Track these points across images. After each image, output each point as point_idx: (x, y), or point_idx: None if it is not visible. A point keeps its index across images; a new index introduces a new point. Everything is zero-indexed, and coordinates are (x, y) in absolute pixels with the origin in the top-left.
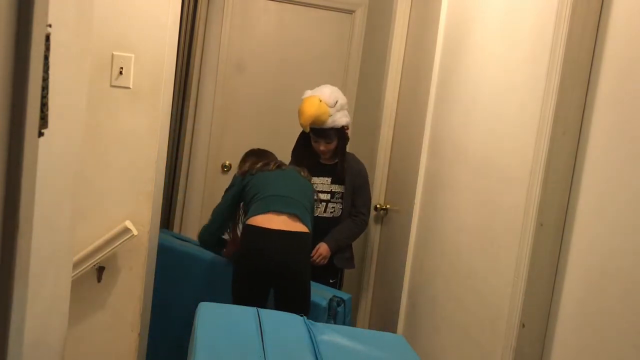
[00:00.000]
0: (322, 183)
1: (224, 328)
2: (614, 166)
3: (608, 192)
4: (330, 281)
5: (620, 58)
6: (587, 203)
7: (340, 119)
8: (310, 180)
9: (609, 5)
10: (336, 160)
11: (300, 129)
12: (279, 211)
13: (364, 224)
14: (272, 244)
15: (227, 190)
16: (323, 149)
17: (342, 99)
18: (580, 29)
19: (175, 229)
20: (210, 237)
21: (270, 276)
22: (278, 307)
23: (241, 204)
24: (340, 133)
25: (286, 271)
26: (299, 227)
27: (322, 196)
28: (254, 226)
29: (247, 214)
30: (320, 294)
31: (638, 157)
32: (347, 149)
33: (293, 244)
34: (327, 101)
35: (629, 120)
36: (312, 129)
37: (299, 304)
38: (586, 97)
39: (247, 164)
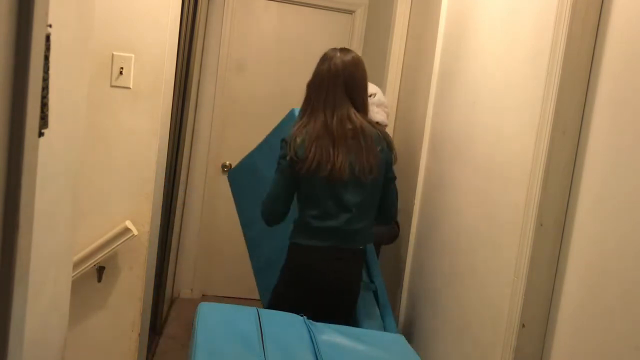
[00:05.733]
0: None
1: (224, 328)
2: (614, 166)
3: (608, 192)
4: None
5: (620, 58)
6: (587, 203)
7: (375, 114)
8: None
9: (609, 5)
10: None
11: None
12: None
13: (396, 230)
14: None
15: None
16: None
17: (382, 97)
18: (580, 29)
19: (175, 229)
20: None
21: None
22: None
23: None
24: None
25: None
26: None
27: None
28: None
29: None
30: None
31: (638, 156)
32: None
33: None
34: None
35: (629, 120)
36: None
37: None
38: (586, 97)
39: None
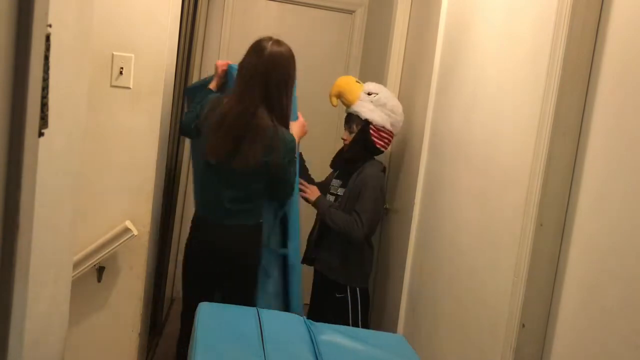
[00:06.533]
0: (334, 185)
1: (224, 328)
2: (614, 166)
3: (608, 192)
4: (337, 295)
5: (620, 58)
6: (587, 203)
7: (368, 111)
8: None
9: (609, 5)
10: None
11: None
12: None
13: (354, 225)
14: None
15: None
16: (344, 137)
17: (385, 99)
18: (580, 29)
19: (175, 229)
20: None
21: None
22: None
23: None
24: (364, 128)
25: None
26: None
27: (329, 198)
28: None
29: None
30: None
31: (638, 157)
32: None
33: None
34: (365, 87)
35: (629, 120)
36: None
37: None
38: (586, 97)
39: None
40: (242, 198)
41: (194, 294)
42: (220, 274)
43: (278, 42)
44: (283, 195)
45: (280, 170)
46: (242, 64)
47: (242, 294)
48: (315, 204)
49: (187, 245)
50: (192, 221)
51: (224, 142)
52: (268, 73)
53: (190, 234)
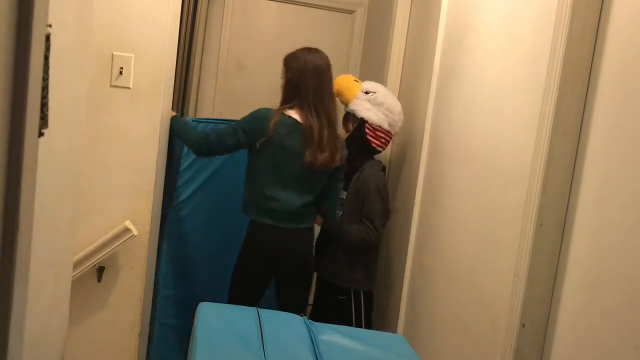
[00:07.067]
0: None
1: (224, 328)
2: (614, 166)
3: (608, 192)
4: (340, 297)
5: (620, 58)
6: (587, 203)
7: (365, 110)
8: None
9: (609, 5)
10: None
11: None
12: None
13: (369, 232)
14: None
15: None
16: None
17: (382, 98)
18: (580, 29)
19: None
20: None
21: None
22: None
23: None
24: (359, 127)
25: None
26: None
27: None
28: None
29: None
30: None
31: (637, 157)
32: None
33: None
34: (362, 86)
35: (629, 121)
36: None
37: None
38: (586, 97)
39: None
40: (311, 202)
41: (244, 298)
42: (282, 276)
43: (315, 51)
44: (337, 200)
45: (340, 169)
46: (289, 76)
47: (304, 294)
48: (325, 226)
49: (247, 249)
50: (253, 227)
51: (322, 151)
52: (320, 82)
53: (252, 238)
